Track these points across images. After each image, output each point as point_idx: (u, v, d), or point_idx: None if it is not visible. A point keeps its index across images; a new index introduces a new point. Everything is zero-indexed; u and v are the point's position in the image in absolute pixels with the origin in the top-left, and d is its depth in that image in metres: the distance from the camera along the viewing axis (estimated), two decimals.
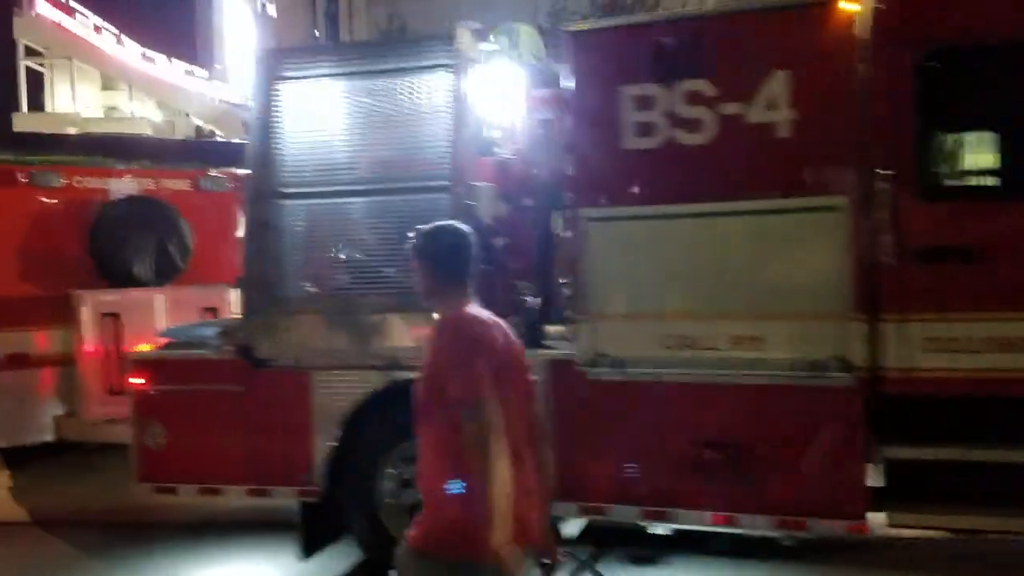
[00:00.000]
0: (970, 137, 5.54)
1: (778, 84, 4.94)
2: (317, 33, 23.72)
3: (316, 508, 5.89)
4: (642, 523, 5.39)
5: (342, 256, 5.79)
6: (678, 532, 5.56)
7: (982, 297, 4.71)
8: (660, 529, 5.51)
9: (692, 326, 5.14)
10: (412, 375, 4.97)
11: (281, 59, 6.08)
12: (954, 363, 4.72)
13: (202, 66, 41.08)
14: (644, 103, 5.17)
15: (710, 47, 5.10)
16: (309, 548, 5.91)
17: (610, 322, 5.29)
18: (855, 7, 4.84)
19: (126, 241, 9.13)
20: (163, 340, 6.57)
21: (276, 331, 5.86)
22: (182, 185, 9.82)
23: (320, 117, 5.93)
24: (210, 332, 6.37)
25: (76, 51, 34.79)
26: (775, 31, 5.06)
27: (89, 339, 8.48)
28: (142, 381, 6.23)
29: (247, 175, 6.06)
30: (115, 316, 8.54)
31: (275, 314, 5.85)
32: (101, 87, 37.35)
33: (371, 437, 5.72)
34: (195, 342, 6.33)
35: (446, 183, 5.54)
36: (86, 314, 8.47)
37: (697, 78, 5.09)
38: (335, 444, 5.77)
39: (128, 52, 36.95)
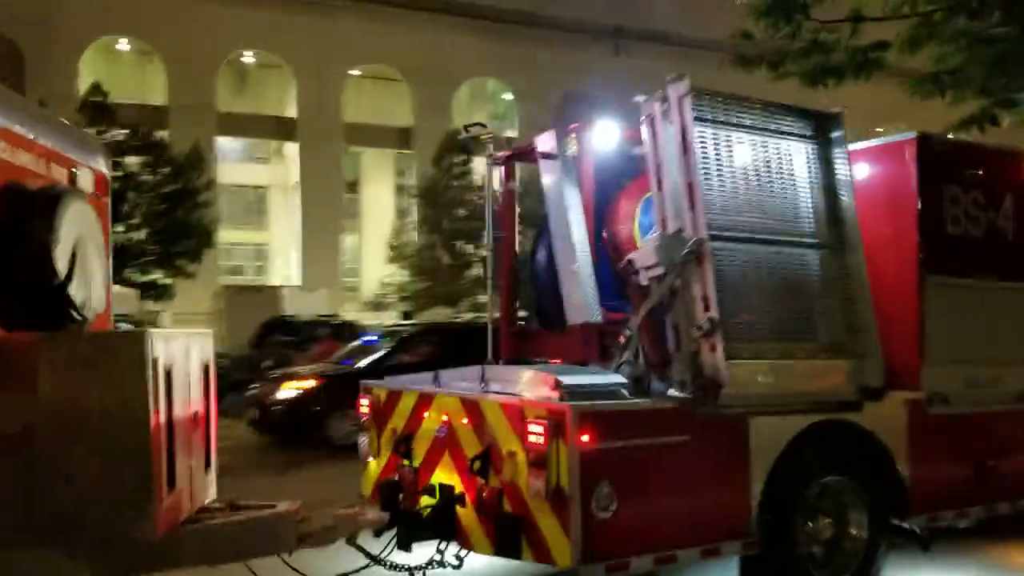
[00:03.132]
0: None
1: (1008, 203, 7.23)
2: None
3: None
4: (954, 523, 6.83)
5: (777, 303, 5.93)
6: None
7: None
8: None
9: (983, 371, 6.95)
10: (830, 416, 5.88)
11: (703, 100, 5.87)
12: None
13: None
14: (955, 201, 6.89)
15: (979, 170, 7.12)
16: None
17: (940, 368, 6.72)
18: None
19: None
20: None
21: (739, 377, 5.62)
22: None
23: (729, 162, 5.95)
24: (611, 378, 5.58)
25: None
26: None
27: None
28: (588, 438, 5.14)
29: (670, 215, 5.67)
30: None
31: (736, 359, 5.61)
32: None
33: (789, 481, 5.93)
34: (606, 390, 5.47)
35: (858, 244, 6.28)
36: None
37: (975, 189, 7.04)
38: (764, 491, 5.80)
39: None
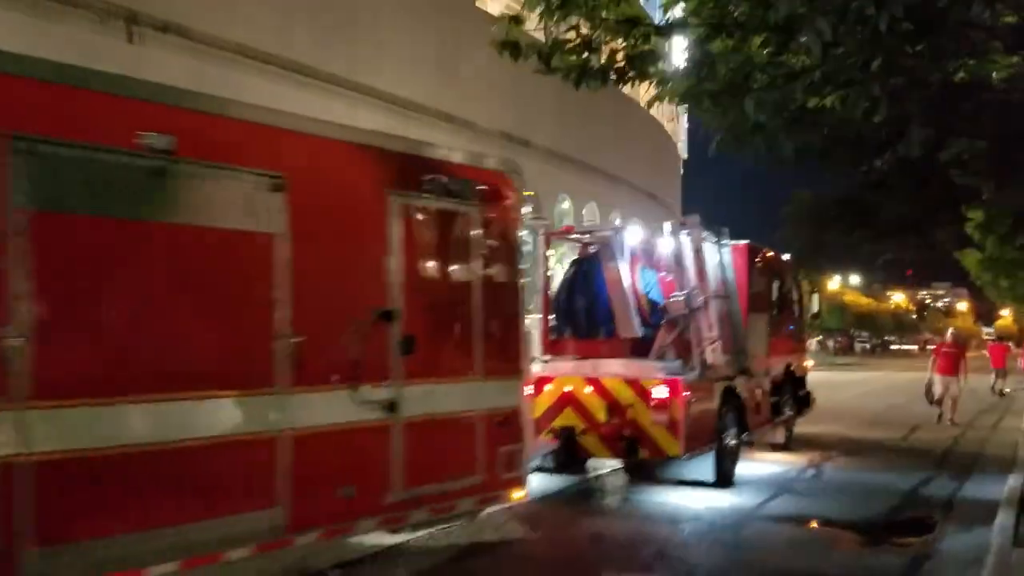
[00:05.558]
0: None
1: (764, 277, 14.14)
2: None
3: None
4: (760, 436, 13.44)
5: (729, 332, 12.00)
6: None
7: None
8: None
9: (756, 359, 13.69)
10: (728, 383, 12.39)
11: (702, 228, 11.72)
12: None
13: None
14: (753, 275, 13.56)
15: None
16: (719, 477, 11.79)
17: (749, 357, 13.29)
18: None
19: None
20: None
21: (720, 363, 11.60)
22: None
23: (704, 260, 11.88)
24: (678, 364, 11.18)
25: None
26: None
27: None
28: (688, 394, 10.75)
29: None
30: None
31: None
32: None
33: (721, 414, 12.05)
34: (680, 370, 11.11)
35: (736, 296, 12.59)
36: None
37: (758, 269, 13.78)
38: (716, 418, 11.86)
39: None
